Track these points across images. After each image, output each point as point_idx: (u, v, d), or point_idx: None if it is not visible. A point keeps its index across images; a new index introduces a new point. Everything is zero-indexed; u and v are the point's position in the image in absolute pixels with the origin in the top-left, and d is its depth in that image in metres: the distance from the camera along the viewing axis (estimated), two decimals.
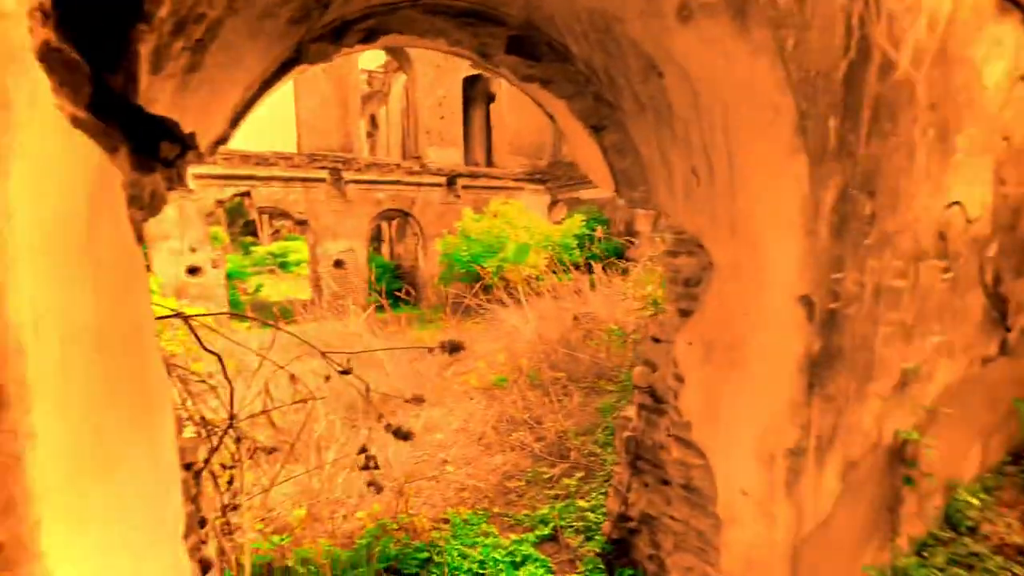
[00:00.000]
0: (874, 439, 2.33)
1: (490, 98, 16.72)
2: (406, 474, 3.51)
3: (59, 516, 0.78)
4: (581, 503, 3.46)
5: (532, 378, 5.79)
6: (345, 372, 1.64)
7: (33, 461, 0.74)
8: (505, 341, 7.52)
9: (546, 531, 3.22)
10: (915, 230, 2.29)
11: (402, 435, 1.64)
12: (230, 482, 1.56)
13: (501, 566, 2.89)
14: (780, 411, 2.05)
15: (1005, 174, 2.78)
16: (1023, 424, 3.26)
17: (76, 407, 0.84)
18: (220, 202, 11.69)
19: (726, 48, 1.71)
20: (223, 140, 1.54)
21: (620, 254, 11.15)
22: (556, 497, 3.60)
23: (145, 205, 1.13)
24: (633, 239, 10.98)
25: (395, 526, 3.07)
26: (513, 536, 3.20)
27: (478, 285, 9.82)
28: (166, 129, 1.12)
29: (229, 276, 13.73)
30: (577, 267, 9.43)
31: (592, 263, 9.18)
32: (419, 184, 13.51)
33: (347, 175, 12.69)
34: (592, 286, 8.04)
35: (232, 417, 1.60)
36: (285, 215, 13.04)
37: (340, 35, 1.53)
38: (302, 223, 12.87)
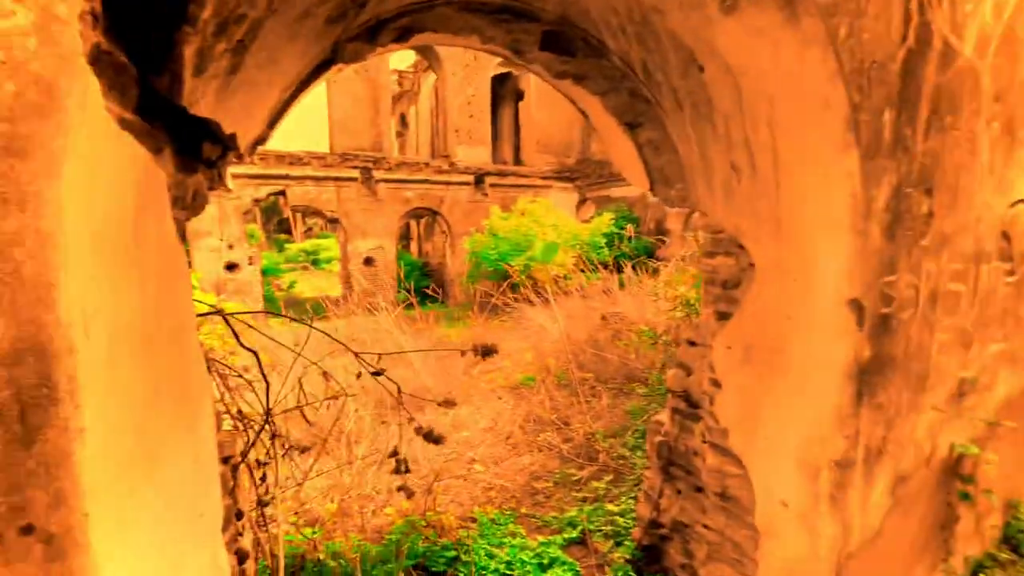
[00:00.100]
0: (927, 452, 2.20)
1: (519, 96, 16.68)
2: (434, 472, 3.53)
3: (106, 511, 0.80)
4: (610, 507, 3.41)
5: (560, 378, 5.74)
6: (377, 373, 1.65)
7: (82, 456, 0.75)
8: (532, 340, 7.50)
9: (574, 534, 3.18)
10: (976, 230, 2.15)
11: (432, 438, 1.63)
12: (263, 478, 1.59)
13: (528, 568, 2.86)
14: (825, 420, 1.95)
15: None
16: None
17: (122, 404, 0.86)
18: (257, 201, 12.07)
19: (773, 39, 1.63)
20: (262, 140, 1.56)
21: (650, 253, 10.95)
22: (584, 500, 3.56)
23: (188, 205, 1.15)
24: (664, 238, 10.77)
25: (423, 523, 3.09)
26: (540, 538, 3.17)
27: (505, 283, 9.81)
28: (208, 130, 1.14)
29: (264, 272, 14.18)
30: (606, 266, 9.31)
31: (621, 262, 9.05)
32: (447, 183, 13.61)
33: (377, 174, 12.90)
34: (621, 286, 7.92)
35: (268, 413, 1.63)
36: (318, 213, 13.36)
37: (375, 34, 1.53)
38: (334, 221, 13.16)
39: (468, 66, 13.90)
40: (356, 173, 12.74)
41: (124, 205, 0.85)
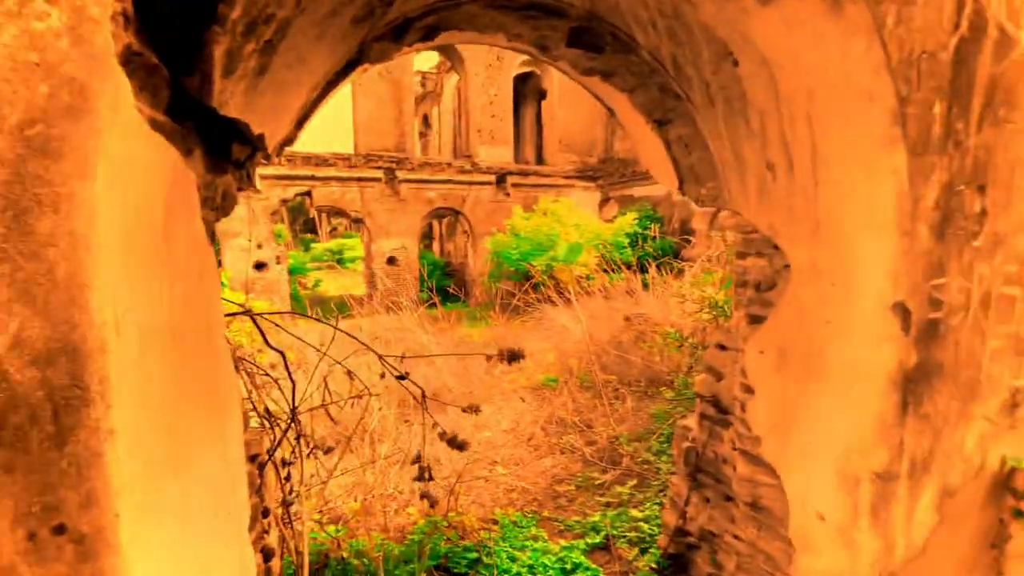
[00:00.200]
0: (977, 466, 2.07)
1: (541, 95, 16.61)
2: (456, 472, 3.52)
3: (136, 511, 0.80)
4: (634, 512, 3.34)
5: (582, 380, 5.68)
6: (402, 377, 1.64)
7: (113, 457, 0.75)
8: (554, 341, 7.45)
9: (597, 539, 3.12)
10: None
11: (457, 444, 1.61)
12: (287, 478, 1.60)
13: (551, 572, 2.83)
14: (867, 430, 1.85)
15: None
16: None
17: (152, 404, 0.86)
18: (284, 201, 12.34)
19: (814, 29, 1.55)
20: (290, 141, 1.57)
21: (675, 253, 10.76)
22: (608, 505, 3.50)
23: (217, 206, 1.16)
24: (689, 238, 10.57)
25: (445, 523, 3.08)
26: (563, 542, 3.13)
27: (527, 284, 9.78)
28: (237, 131, 1.14)
29: (290, 271, 14.49)
30: (629, 266, 9.19)
31: (645, 262, 8.92)
32: (469, 183, 13.65)
33: (400, 174, 13.03)
34: (645, 286, 7.79)
35: (293, 413, 1.64)
36: (342, 213, 13.58)
37: (401, 33, 1.52)
38: (358, 221, 13.35)
39: (491, 66, 13.91)
40: (380, 173, 12.90)
41: (155, 206, 0.85)
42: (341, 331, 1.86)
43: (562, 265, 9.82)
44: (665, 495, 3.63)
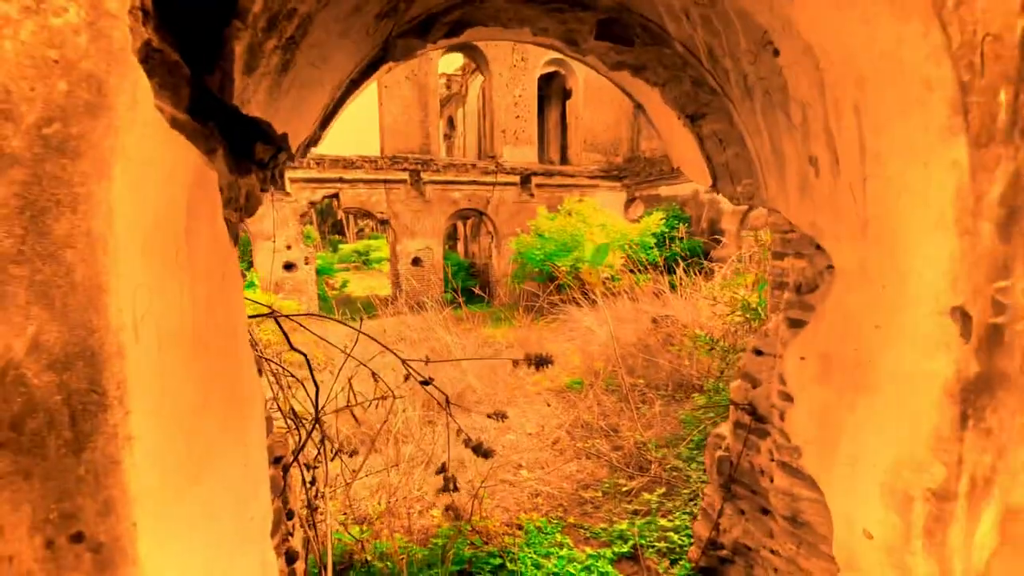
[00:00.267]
0: None
1: (566, 95, 16.49)
2: (480, 475, 3.48)
3: (155, 518, 0.78)
4: (663, 521, 3.23)
5: (608, 383, 5.57)
6: (426, 383, 1.60)
7: (131, 464, 0.73)
8: (579, 342, 7.35)
9: (625, 548, 3.03)
10: None
11: (482, 452, 1.57)
12: (312, 481, 1.58)
13: None
14: (921, 444, 1.72)
15: None
16: None
17: (172, 409, 0.84)
18: (312, 203, 12.59)
19: (864, 13, 1.44)
20: (314, 142, 1.55)
21: (703, 254, 10.49)
22: (635, 512, 3.40)
23: (241, 207, 1.14)
24: (718, 238, 10.29)
25: (468, 527, 3.05)
26: (589, 550, 3.05)
27: (552, 284, 9.70)
28: (260, 131, 1.12)
29: (318, 272, 14.79)
30: (656, 267, 9.00)
31: (672, 263, 8.72)
32: (494, 183, 13.65)
33: (425, 176, 13.13)
34: (672, 288, 7.61)
35: (317, 417, 1.62)
36: (369, 215, 13.77)
37: (426, 30, 1.49)
38: (384, 222, 13.51)
39: (515, 67, 13.89)
40: (405, 175, 13.03)
41: (175, 207, 0.83)
42: (365, 334, 1.84)
43: (588, 267, 9.69)
44: (695, 504, 3.50)
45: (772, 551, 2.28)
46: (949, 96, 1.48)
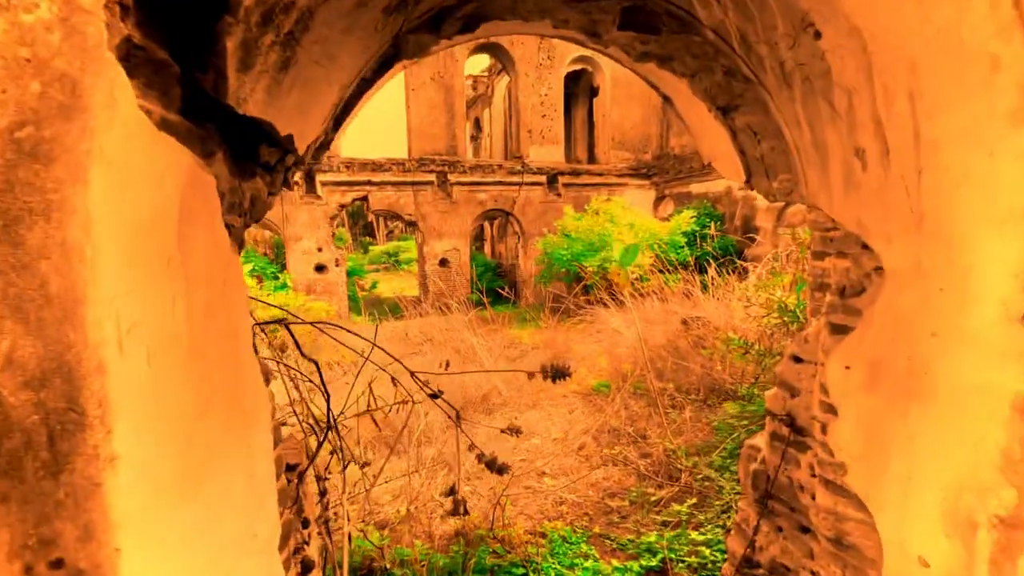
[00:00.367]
0: None
1: (593, 92, 16.27)
2: (503, 482, 3.41)
3: (142, 540, 0.74)
4: (694, 535, 3.08)
5: (636, 386, 5.41)
6: (435, 396, 1.54)
7: (114, 485, 0.69)
8: (606, 344, 7.20)
9: (653, 562, 2.90)
10: None
11: (496, 468, 1.49)
12: (323, 492, 1.55)
13: None
14: (986, 465, 1.55)
15: None
16: None
17: (165, 424, 0.80)
18: (342, 206, 12.83)
19: None
20: (325, 144, 1.51)
21: (736, 253, 10.13)
22: (665, 524, 3.26)
23: (245, 211, 1.11)
24: (752, 236, 9.92)
25: (491, 535, 2.98)
26: (615, 562, 2.94)
27: (578, 285, 9.56)
28: (264, 132, 1.08)
29: (349, 273, 15.06)
30: (686, 267, 8.73)
31: (704, 263, 8.45)
32: (520, 184, 13.59)
33: (452, 177, 13.18)
34: (704, 288, 7.36)
35: (329, 424, 1.59)
36: (397, 217, 13.93)
37: (437, 25, 1.43)
38: (412, 224, 13.65)
39: (541, 65, 13.78)
40: (432, 177, 13.12)
41: (165, 212, 0.79)
42: (376, 346, 1.80)
43: (616, 267, 9.49)
44: (728, 516, 3.33)
45: (813, 573, 2.12)
46: (1019, 77, 1.32)
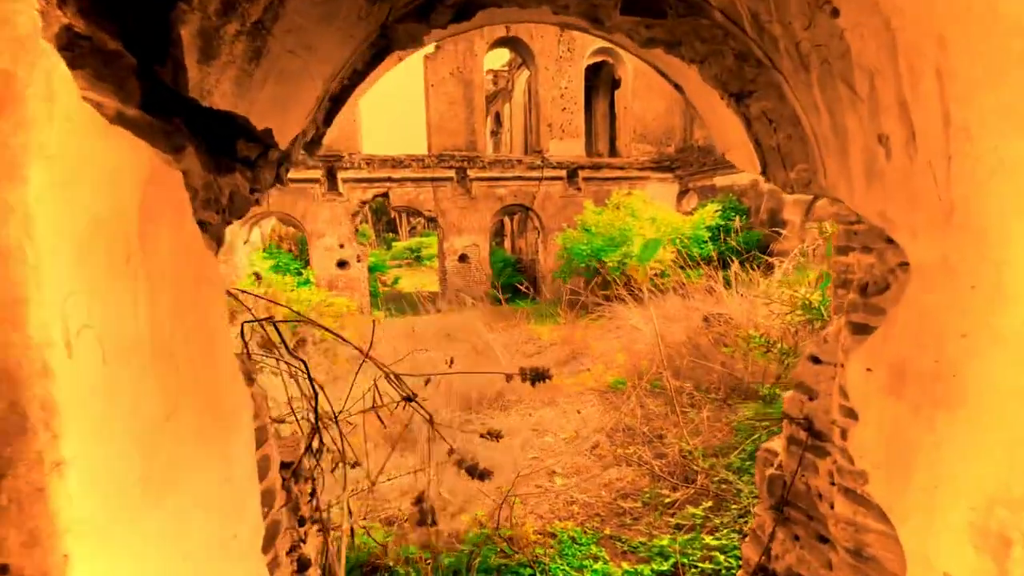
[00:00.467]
0: None
1: (615, 85, 15.98)
2: (512, 480, 3.37)
3: (97, 546, 0.72)
4: (708, 539, 2.98)
5: (653, 385, 5.29)
6: (409, 399, 1.51)
7: (61, 490, 0.67)
8: (625, 341, 7.07)
9: (665, 566, 2.82)
10: None
11: (476, 474, 1.45)
12: (313, 492, 1.54)
13: None
14: (1020, 477, 1.42)
15: None
16: None
17: (124, 428, 0.78)
18: (363, 203, 12.97)
19: None
20: (317, 139, 1.49)
21: (761, 248, 9.81)
22: (678, 527, 3.16)
23: (223, 208, 1.09)
24: (778, 230, 9.58)
25: (495, 534, 2.95)
26: (626, 565, 2.87)
27: (595, 280, 9.42)
28: (242, 127, 1.06)
29: (371, 269, 15.25)
30: (709, 262, 8.50)
31: (728, 258, 8.20)
32: (540, 178, 13.48)
33: (472, 173, 13.17)
34: (727, 284, 7.14)
35: (316, 427, 1.58)
36: (417, 213, 14.01)
37: (426, 13, 1.38)
38: (432, 220, 13.71)
39: (561, 58, 13.60)
40: (451, 173, 13.13)
41: (122, 209, 0.77)
42: (367, 356, 1.77)
43: (636, 263, 9.31)
44: (745, 521, 3.21)
45: None
46: None
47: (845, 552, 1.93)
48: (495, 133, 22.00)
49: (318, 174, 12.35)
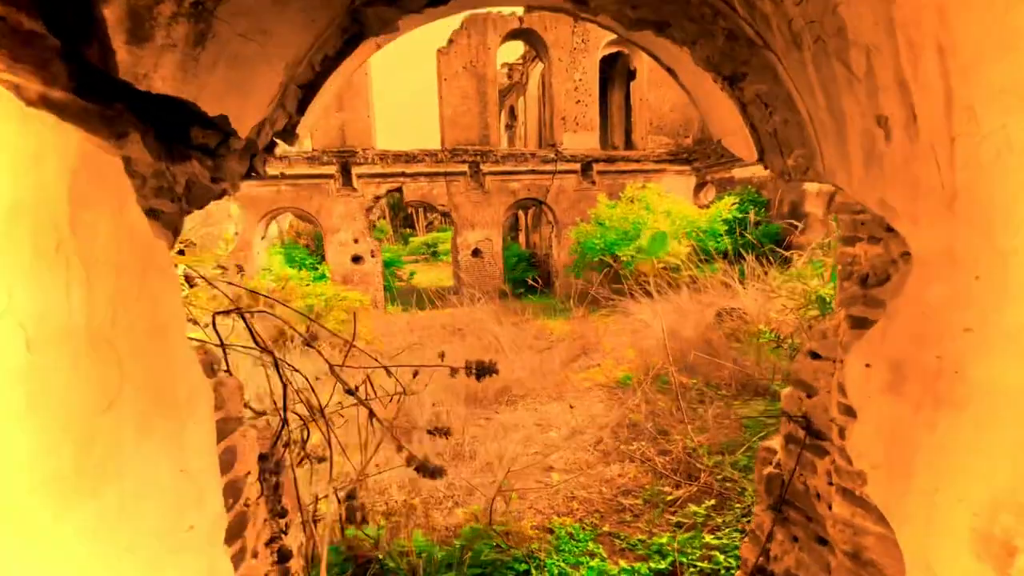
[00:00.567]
0: None
1: (630, 76, 15.71)
2: (509, 474, 3.35)
3: (18, 539, 0.71)
4: (709, 538, 2.91)
5: (661, 381, 5.19)
6: (351, 392, 1.48)
7: None
8: (635, 336, 6.97)
9: (663, 565, 2.76)
10: None
11: (428, 471, 1.41)
12: (276, 487, 1.53)
13: None
14: None
15: None
16: None
17: (52, 419, 0.77)
18: (377, 198, 13.06)
19: None
20: (290, 128, 1.46)
21: (780, 241, 9.54)
22: (679, 525, 3.10)
23: (179, 197, 1.08)
24: (796, 223, 9.30)
25: (490, 529, 2.92)
26: (623, 563, 2.82)
27: (606, 274, 9.31)
28: (197, 114, 1.04)
29: (387, 264, 15.38)
30: (725, 256, 8.31)
31: (744, 252, 8.00)
32: (553, 172, 13.36)
33: (485, 167, 13.12)
34: (742, 278, 6.96)
35: (284, 420, 1.57)
36: (431, 208, 14.06)
37: None
38: (446, 215, 13.73)
39: (575, 50, 13.41)
40: (464, 167, 13.11)
41: (47, 195, 0.76)
42: (355, 345, 1.76)
43: (645, 257, 9.16)
44: (748, 520, 3.13)
45: None
46: None
47: (843, 555, 1.85)
48: (510, 127, 21.89)
49: (333, 170, 12.47)
